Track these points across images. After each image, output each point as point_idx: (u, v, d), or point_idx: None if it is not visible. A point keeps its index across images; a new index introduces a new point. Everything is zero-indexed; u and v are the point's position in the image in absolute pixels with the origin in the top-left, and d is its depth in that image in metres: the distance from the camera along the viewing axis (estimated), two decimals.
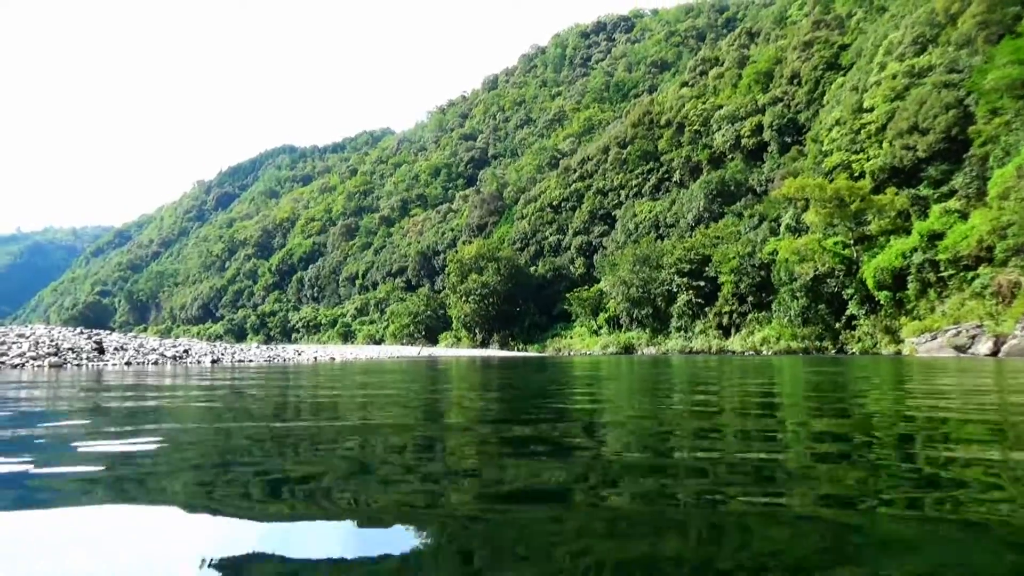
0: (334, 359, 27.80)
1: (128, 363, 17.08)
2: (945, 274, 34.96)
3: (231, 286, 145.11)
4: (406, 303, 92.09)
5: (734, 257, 50.48)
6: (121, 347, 20.01)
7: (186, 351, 21.50)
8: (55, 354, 16.20)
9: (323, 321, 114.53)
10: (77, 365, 15.60)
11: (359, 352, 45.59)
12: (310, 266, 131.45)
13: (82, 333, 21.63)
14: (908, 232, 38.94)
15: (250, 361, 21.28)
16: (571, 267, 76.94)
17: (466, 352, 60.67)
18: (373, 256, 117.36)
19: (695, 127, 71.50)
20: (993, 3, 39.98)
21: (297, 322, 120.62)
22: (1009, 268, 30.60)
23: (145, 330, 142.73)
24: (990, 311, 30.77)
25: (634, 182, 76.36)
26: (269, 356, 24.93)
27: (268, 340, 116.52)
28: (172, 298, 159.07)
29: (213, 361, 19.71)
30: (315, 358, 27.36)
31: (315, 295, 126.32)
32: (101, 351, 18.16)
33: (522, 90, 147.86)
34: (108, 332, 26.92)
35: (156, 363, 17.87)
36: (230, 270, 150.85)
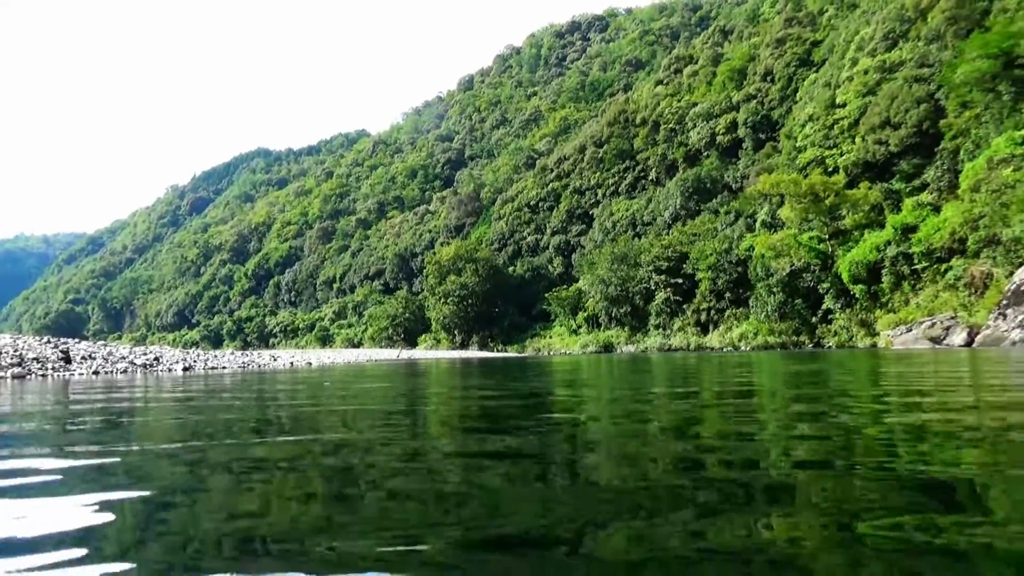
0: (311, 364, 27.41)
1: (96, 372, 16.64)
2: (919, 267, 35.30)
3: (207, 292, 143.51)
4: (384, 306, 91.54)
5: (711, 254, 50.68)
6: (89, 356, 19.53)
7: (157, 359, 21.04)
8: (19, 364, 15.74)
9: (301, 325, 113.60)
10: (42, 376, 15.15)
11: (337, 356, 45.14)
12: (287, 270, 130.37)
13: (49, 342, 21.10)
14: (882, 226, 39.31)
15: (223, 368, 20.87)
16: (549, 267, 76.96)
17: (446, 354, 60.33)
18: (350, 259, 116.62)
19: (670, 125, 71.80)
20: None
21: (275, 327, 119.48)
22: (981, 259, 30.94)
23: (120, 338, 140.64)
24: (963, 302, 31.08)
25: (611, 181, 76.52)
26: (243, 362, 24.49)
27: (245, 346, 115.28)
28: (147, 305, 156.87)
29: (185, 369, 19.29)
30: (291, 363, 26.96)
31: (292, 299, 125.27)
32: (68, 361, 17.68)
33: (498, 90, 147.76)
34: (77, 341, 26.35)
35: (125, 372, 17.45)
36: (205, 276, 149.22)
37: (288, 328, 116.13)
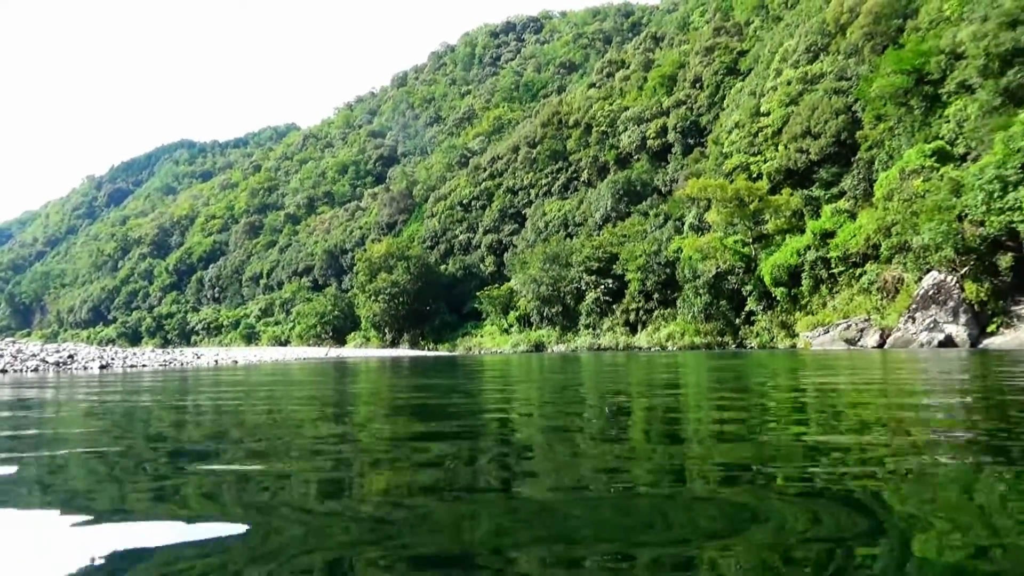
0: (236, 362, 26.68)
1: (4, 371, 15.81)
2: (836, 271, 36.79)
3: (124, 287, 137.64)
4: (313, 303, 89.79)
5: (640, 255, 51.56)
6: None
7: (71, 356, 20.13)
8: None
9: (225, 322, 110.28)
10: None
11: (263, 354, 44.05)
12: (211, 265, 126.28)
13: None
14: (802, 231, 40.78)
15: (143, 366, 20.11)
16: (481, 265, 76.96)
17: (375, 353, 59.67)
18: (278, 255, 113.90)
19: (602, 128, 72.80)
20: (879, 15, 42.44)
21: (197, 324, 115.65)
22: (893, 265, 32.47)
23: (29, 335, 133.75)
24: (876, 305, 32.58)
25: (543, 181, 77.09)
26: (165, 360, 23.66)
27: (165, 343, 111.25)
28: (59, 300, 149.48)
29: (102, 367, 18.50)
30: (216, 362, 26.19)
31: (216, 296, 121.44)
32: None
33: (432, 88, 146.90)
34: None
35: (36, 370, 16.63)
36: (123, 270, 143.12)
37: (212, 325, 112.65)
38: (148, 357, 24.67)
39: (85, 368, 17.87)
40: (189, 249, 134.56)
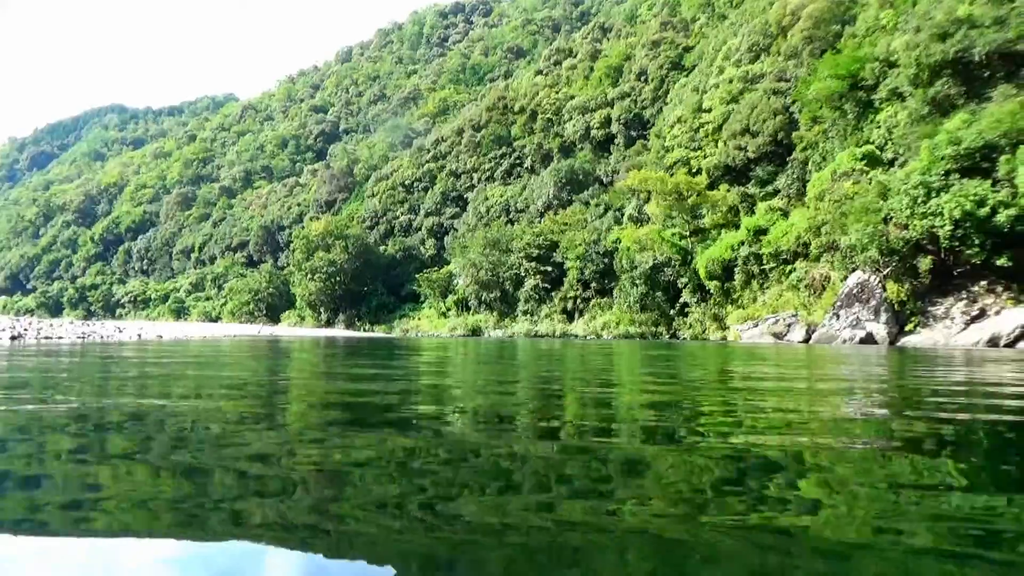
0: (161, 337, 25.82)
1: None
2: (767, 267, 37.74)
3: (46, 255, 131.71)
4: (246, 279, 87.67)
5: (580, 244, 51.93)
6: None
7: None
8: None
9: (153, 296, 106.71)
10: None
11: (192, 330, 42.80)
12: (140, 236, 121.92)
13: None
14: (737, 227, 41.69)
15: (60, 338, 19.25)
16: (421, 248, 76.43)
17: (310, 332, 58.69)
18: (212, 228, 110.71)
19: (547, 115, 72.95)
20: (818, 20, 43.56)
21: (123, 296, 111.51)
22: (821, 263, 33.53)
23: None
24: (804, 302, 33.61)
25: (487, 166, 76.86)
26: (84, 333, 22.71)
27: (89, 315, 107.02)
28: None
29: (13, 338, 17.63)
30: (139, 336, 25.27)
31: (145, 268, 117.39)
32: None
33: (377, 65, 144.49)
34: None
35: None
36: (45, 238, 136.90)
37: (139, 298, 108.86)
38: (66, 329, 23.66)
39: None
40: (117, 218, 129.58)
